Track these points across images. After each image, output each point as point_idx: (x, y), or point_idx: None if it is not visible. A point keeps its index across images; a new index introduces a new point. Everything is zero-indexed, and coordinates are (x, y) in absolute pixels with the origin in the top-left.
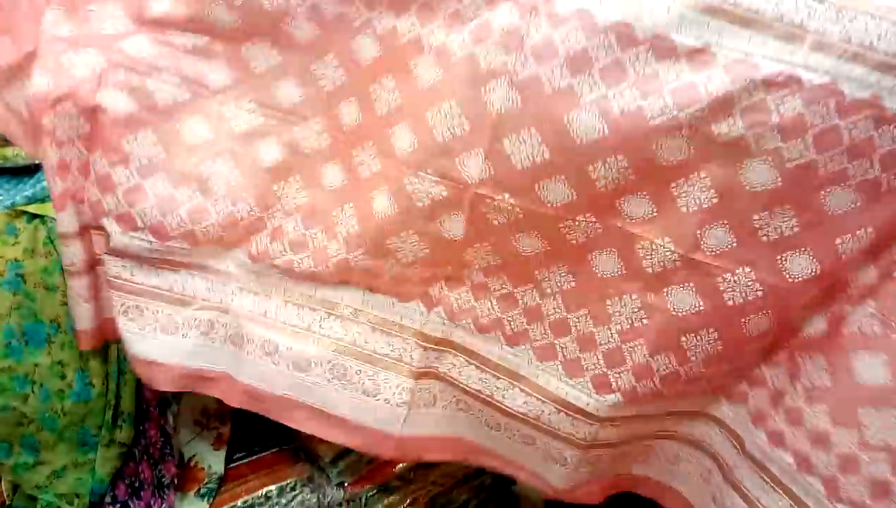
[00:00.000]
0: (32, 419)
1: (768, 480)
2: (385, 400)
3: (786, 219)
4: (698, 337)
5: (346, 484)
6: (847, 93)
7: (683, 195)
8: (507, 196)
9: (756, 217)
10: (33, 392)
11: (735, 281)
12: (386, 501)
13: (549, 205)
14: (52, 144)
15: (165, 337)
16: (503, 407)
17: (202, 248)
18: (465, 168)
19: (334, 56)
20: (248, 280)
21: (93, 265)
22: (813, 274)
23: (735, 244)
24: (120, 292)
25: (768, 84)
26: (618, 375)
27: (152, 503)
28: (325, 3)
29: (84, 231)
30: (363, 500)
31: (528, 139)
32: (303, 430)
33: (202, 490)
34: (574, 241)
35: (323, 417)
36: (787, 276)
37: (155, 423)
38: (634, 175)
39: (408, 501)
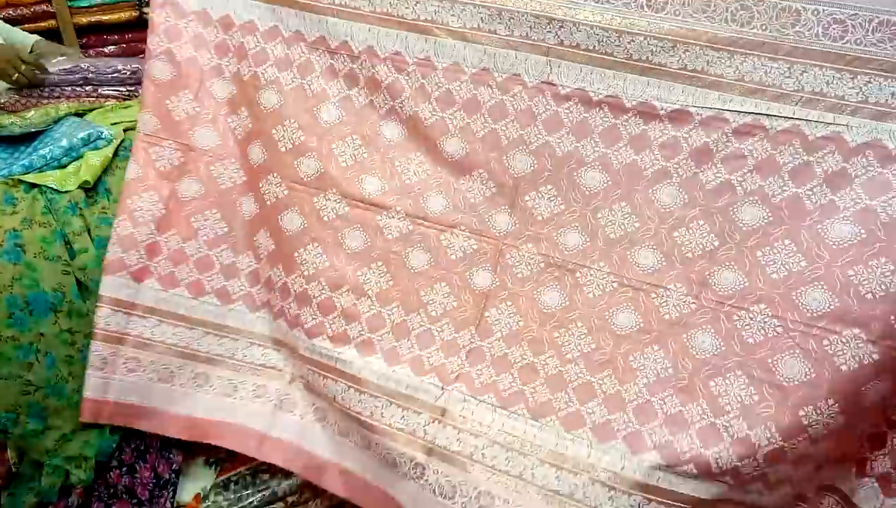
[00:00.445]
0: (39, 386)
1: None
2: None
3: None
4: None
5: None
6: (808, 133)
7: (686, 243)
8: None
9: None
10: (38, 360)
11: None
12: None
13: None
14: (129, 221)
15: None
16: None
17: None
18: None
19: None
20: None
21: (120, 338)
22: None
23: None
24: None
25: (738, 132)
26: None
27: (158, 465)
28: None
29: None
30: None
31: (545, 194)
32: None
33: (211, 459)
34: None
35: None
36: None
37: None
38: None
39: None
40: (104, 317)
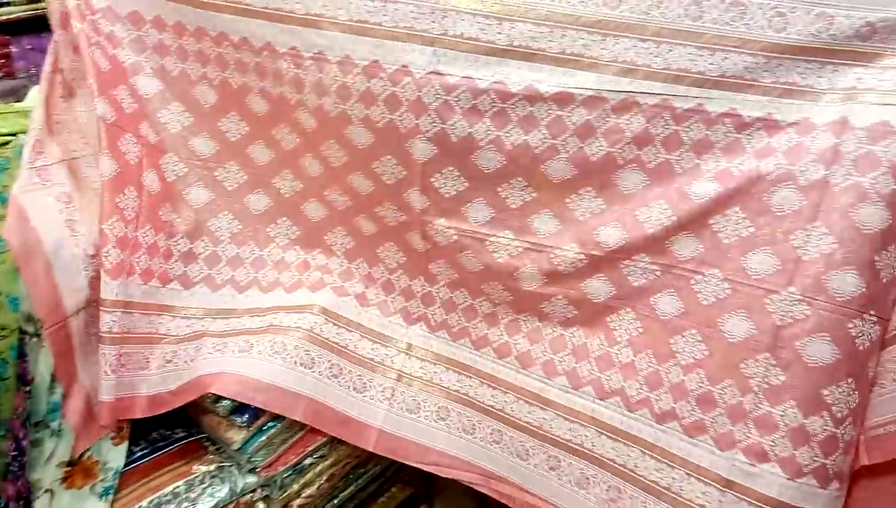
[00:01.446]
0: None
1: None
2: None
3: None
4: None
5: (258, 469)
6: (676, 106)
7: (578, 207)
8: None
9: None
10: None
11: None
12: (302, 480)
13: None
14: (120, 220)
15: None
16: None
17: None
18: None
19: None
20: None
21: (129, 337)
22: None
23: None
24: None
25: (616, 109)
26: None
27: None
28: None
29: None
30: (278, 482)
31: (449, 175)
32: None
33: (98, 488)
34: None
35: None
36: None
37: (11, 434)
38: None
39: (324, 478)
40: (113, 321)
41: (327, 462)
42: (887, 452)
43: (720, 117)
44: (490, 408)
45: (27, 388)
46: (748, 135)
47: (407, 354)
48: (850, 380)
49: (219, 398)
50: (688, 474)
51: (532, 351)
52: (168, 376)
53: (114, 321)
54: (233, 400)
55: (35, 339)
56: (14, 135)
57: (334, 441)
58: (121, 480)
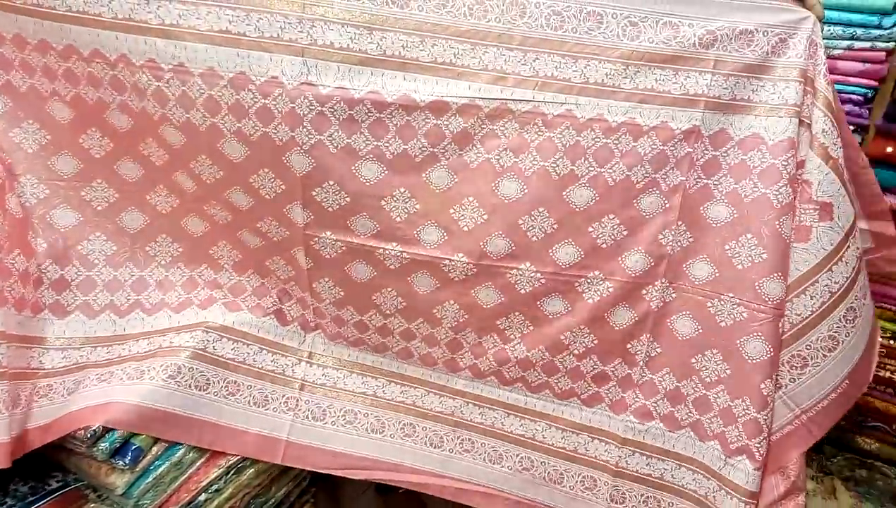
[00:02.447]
0: None
1: None
2: None
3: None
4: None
5: None
6: (546, 112)
7: (462, 218)
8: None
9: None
10: None
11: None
12: None
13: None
14: None
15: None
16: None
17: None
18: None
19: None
20: None
21: (15, 374)
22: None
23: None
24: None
25: (490, 117)
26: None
27: None
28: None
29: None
30: None
31: (329, 188)
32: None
33: None
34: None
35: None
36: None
37: None
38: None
39: None
40: (1, 355)
41: (224, 496)
42: (828, 423)
43: (589, 122)
44: (400, 404)
45: None
46: (616, 139)
47: (308, 363)
48: (715, 351)
49: (96, 441)
50: (591, 437)
51: (433, 353)
52: (40, 411)
53: (2, 354)
54: (111, 443)
55: None
56: None
57: (230, 473)
58: None
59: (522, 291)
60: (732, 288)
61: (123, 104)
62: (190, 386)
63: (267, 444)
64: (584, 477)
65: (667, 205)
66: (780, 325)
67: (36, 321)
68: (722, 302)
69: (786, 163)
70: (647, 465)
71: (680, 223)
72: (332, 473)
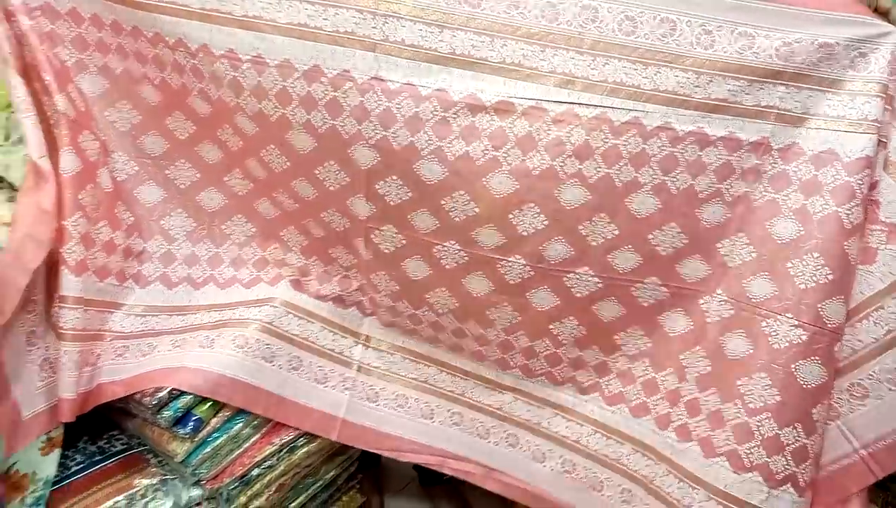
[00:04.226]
0: None
1: None
2: None
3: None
4: None
5: (203, 481)
6: (613, 119)
7: (521, 224)
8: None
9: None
10: None
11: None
12: (249, 491)
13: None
14: (83, 217)
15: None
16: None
17: None
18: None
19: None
20: None
21: (85, 334)
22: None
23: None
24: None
25: (555, 121)
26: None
27: None
28: None
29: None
30: (224, 494)
31: (393, 183)
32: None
33: (28, 500)
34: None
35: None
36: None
37: None
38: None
39: (273, 489)
40: (75, 318)
41: (276, 473)
42: (893, 463)
43: (656, 131)
44: (450, 393)
45: None
46: (682, 148)
47: (365, 346)
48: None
49: (160, 409)
50: (633, 449)
51: (483, 351)
52: (114, 369)
53: (76, 318)
54: (174, 411)
55: None
56: None
57: (283, 451)
58: (56, 496)
59: (578, 295)
60: (791, 308)
61: (203, 91)
62: (257, 357)
63: (325, 420)
64: (623, 489)
65: (729, 216)
66: (837, 350)
67: (120, 289)
68: (778, 323)
69: (860, 182)
70: (678, 489)
71: (741, 235)
72: (382, 454)
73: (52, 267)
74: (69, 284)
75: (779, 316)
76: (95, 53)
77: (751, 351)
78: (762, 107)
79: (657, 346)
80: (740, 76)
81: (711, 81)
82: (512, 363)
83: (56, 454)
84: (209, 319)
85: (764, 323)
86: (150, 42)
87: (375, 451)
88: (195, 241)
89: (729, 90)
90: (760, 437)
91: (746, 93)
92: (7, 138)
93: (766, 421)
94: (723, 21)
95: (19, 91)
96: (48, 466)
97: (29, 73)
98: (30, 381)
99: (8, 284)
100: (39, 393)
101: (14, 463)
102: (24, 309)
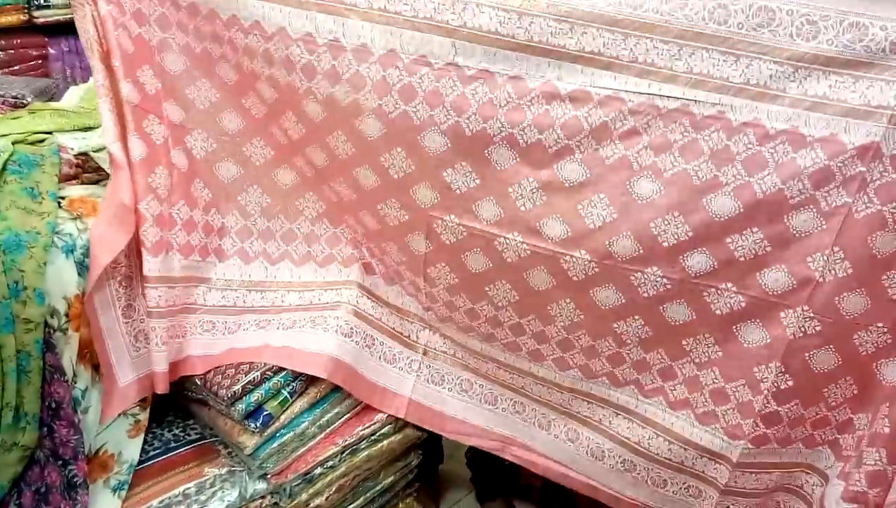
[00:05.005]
0: None
1: None
2: None
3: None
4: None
5: (268, 476)
6: (696, 112)
7: (589, 215)
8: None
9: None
10: None
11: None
12: (311, 489)
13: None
14: (154, 199)
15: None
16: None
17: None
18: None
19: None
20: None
21: (173, 310)
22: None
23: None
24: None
25: (633, 112)
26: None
27: (63, 506)
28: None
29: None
30: (287, 490)
31: (461, 169)
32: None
33: (112, 482)
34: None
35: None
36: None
37: (67, 421)
38: None
39: (333, 489)
40: (158, 296)
41: (337, 473)
42: None
43: (742, 127)
44: (510, 385)
45: (65, 378)
46: (772, 148)
47: (431, 329)
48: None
49: (234, 402)
50: (699, 454)
51: (542, 350)
52: (208, 342)
53: (160, 296)
54: (247, 405)
55: (60, 333)
56: (50, 133)
57: (345, 452)
58: (133, 477)
59: (645, 295)
60: (884, 318)
61: (272, 76)
62: (336, 332)
63: (393, 398)
64: (689, 486)
65: (823, 227)
66: None
67: (204, 264)
68: (869, 333)
69: None
70: (755, 480)
71: (836, 249)
72: (447, 436)
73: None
74: (149, 264)
75: (870, 327)
76: (178, 33)
77: (839, 364)
78: (872, 107)
79: (728, 357)
80: (844, 71)
81: (810, 76)
82: (571, 363)
83: (140, 438)
84: (289, 300)
85: (856, 336)
86: (224, 25)
87: (440, 433)
88: (270, 217)
89: (830, 86)
90: (835, 421)
91: (852, 91)
92: None
93: (844, 410)
94: (831, 10)
95: (99, 75)
96: (133, 449)
97: (110, 56)
98: (126, 351)
99: (94, 263)
100: (134, 363)
101: (104, 444)
102: (120, 285)
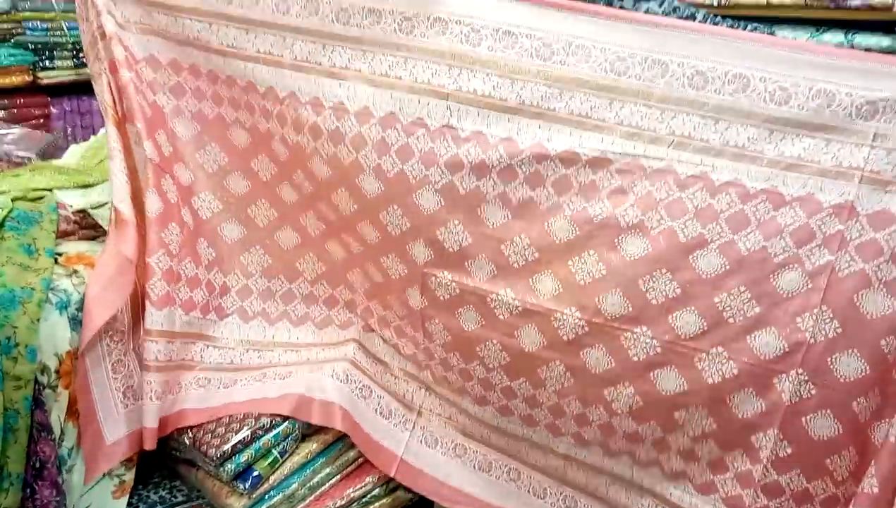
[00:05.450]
0: None
1: None
2: None
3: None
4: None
5: None
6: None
7: (580, 271)
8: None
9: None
10: None
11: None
12: None
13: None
14: (165, 254)
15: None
16: None
17: None
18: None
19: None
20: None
21: (170, 365)
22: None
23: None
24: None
25: (620, 171)
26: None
27: None
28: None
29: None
30: None
31: (453, 228)
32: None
33: None
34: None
35: None
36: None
37: (50, 482)
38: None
39: None
40: (158, 350)
41: None
42: None
43: (725, 186)
44: (505, 450)
45: (52, 437)
46: (753, 207)
47: (427, 390)
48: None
49: (223, 462)
50: None
51: (534, 415)
52: (203, 396)
53: (159, 350)
54: (236, 465)
55: (49, 390)
56: (49, 190)
57: None
58: None
59: (635, 358)
60: (879, 382)
61: (284, 137)
62: (333, 377)
63: (386, 455)
64: None
65: (809, 286)
66: None
67: (204, 321)
68: (868, 400)
69: None
70: None
71: (825, 308)
72: (439, 502)
73: (138, 300)
74: (153, 318)
75: (868, 392)
76: (191, 100)
77: (841, 432)
78: (844, 168)
79: (723, 429)
80: (817, 134)
81: (785, 138)
82: (563, 429)
83: (125, 500)
84: (286, 359)
85: (855, 403)
86: (242, 90)
87: (432, 498)
88: (270, 277)
89: (805, 148)
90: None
91: (825, 152)
92: None
93: (852, 484)
94: (800, 78)
95: (112, 139)
96: None
97: (124, 121)
98: (114, 408)
99: (89, 322)
100: (122, 419)
101: (88, 505)
102: (112, 339)
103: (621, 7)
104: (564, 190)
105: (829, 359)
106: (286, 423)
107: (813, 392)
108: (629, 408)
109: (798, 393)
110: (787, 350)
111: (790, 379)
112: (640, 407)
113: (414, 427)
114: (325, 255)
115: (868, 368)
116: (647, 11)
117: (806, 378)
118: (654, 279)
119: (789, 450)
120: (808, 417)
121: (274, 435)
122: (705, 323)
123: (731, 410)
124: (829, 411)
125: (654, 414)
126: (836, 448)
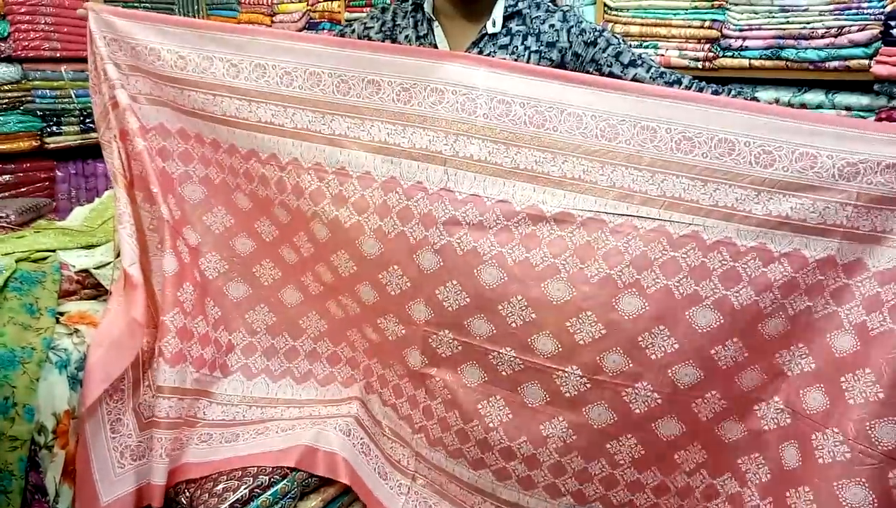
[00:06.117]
0: None
1: None
2: None
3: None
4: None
5: None
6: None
7: (579, 331)
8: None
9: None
10: None
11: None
12: None
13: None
14: (180, 313)
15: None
16: None
17: None
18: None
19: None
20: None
21: (178, 422)
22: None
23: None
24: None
25: (613, 232)
26: None
27: None
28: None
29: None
30: None
31: (452, 288)
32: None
33: None
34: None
35: None
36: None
37: None
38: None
39: None
40: (169, 406)
41: None
42: None
43: (716, 245)
44: None
45: (46, 498)
46: (744, 264)
47: (418, 459)
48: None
49: None
50: None
51: (533, 476)
52: (198, 451)
53: (170, 407)
54: None
55: (45, 451)
56: (53, 251)
57: None
58: None
59: (637, 411)
60: (839, 423)
61: (284, 201)
62: (337, 430)
63: None
64: None
65: (788, 328)
66: (893, 476)
67: (210, 378)
68: (825, 437)
69: None
70: None
71: (801, 345)
72: None
73: (140, 359)
74: (165, 375)
75: (826, 430)
76: (199, 165)
77: (799, 464)
78: (828, 225)
79: (714, 457)
80: (802, 194)
81: (772, 199)
82: (563, 489)
83: None
84: (289, 415)
85: (813, 436)
86: (243, 158)
87: None
88: (274, 335)
89: (791, 208)
90: None
91: (811, 211)
92: (119, 254)
93: None
94: (783, 142)
95: (122, 203)
96: None
97: (135, 186)
98: (110, 469)
99: (91, 385)
100: (119, 479)
101: None
102: (111, 398)
103: (611, 74)
104: (560, 250)
105: (801, 392)
106: (284, 481)
107: (788, 422)
108: (632, 458)
109: (777, 422)
110: (765, 380)
111: (769, 408)
112: (642, 456)
113: (409, 492)
114: (326, 314)
115: (828, 403)
116: (635, 77)
117: (782, 407)
118: (652, 335)
119: (769, 476)
120: (783, 446)
121: (272, 493)
122: (702, 374)
123: (720, 438)
124: (795, 441)
125: (654, 461)
126: (794, 484)
